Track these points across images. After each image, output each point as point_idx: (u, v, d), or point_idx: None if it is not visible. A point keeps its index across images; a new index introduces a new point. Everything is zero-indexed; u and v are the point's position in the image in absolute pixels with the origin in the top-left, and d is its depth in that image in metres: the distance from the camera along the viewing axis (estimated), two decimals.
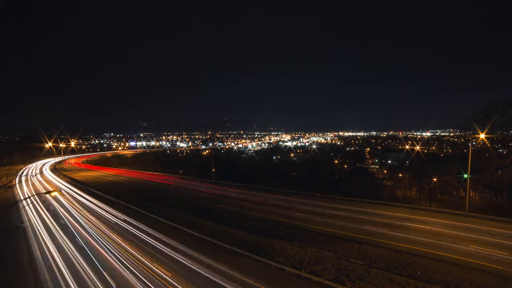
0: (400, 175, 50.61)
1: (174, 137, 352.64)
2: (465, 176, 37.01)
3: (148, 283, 16.94)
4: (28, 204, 37.46)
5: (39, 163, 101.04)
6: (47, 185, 54.29)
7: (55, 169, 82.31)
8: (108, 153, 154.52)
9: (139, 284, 16.91)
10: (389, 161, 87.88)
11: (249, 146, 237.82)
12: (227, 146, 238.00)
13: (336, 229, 26.99)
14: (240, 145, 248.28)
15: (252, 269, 18.63)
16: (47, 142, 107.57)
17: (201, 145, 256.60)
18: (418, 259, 20.29)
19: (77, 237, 25.18)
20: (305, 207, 35.57)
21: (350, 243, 23.69)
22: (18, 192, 46.71)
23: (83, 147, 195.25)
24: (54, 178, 64.35)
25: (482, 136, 38.57)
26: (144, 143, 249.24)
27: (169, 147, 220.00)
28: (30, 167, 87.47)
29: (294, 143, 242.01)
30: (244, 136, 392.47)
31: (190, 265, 19.21)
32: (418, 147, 65.04)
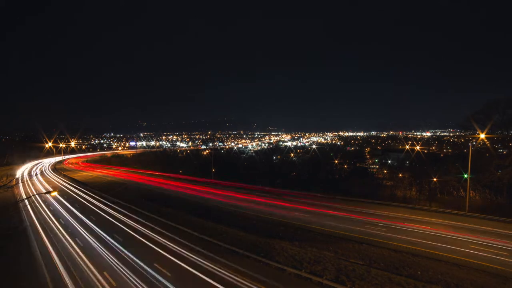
0: (400, 175, 50.61)
1: (174, 137, 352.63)
2: (465, 176, 37.01)
3: (149, 283, 16.95)
4: (28, 204, 37.45)
5: (39, 163, 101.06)
6: (47, 185, 54.29)
7: (55, 169, 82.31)
8: (108, 153, 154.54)
9: (139, 283, 16.92)
10: (389, 161, 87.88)
11: (249, 146, 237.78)
12: (227, 146, 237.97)
13: (336, 229, 26.99)
14: (240, 145, 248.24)
15: (252, 269, 18.62)
16: (47, 142, 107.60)
17: (201, 145, 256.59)
18: (418, 259, 20.28)
19: (77, 237, 25.18)
20: (305, 207, 35.54)
21: (350, 243, 23.68)
22: (18, 192, 46.71)
23: (83, 147, 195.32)
24: (54, 178, 64.36)
25: (482, 136, 38.57)
26: (144, 143, 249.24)
27: (169, 147, 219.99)
28: (30, 167, 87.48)
29: (294, 143, 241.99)
30: (244, 136, 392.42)
31: (190, 265, 19.21)
32: (418, 147, 65.02)
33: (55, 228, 28.01)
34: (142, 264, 19.40)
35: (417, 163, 56.42)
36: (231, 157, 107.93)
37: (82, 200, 40.88)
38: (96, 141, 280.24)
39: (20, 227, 28.60)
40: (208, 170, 63.87)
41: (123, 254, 21.17)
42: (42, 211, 34.99)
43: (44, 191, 47.11)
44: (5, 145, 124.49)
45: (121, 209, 34.87)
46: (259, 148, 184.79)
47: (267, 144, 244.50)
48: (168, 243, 23.39)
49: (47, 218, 31.80)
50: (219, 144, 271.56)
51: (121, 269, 18.82)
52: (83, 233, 26.43)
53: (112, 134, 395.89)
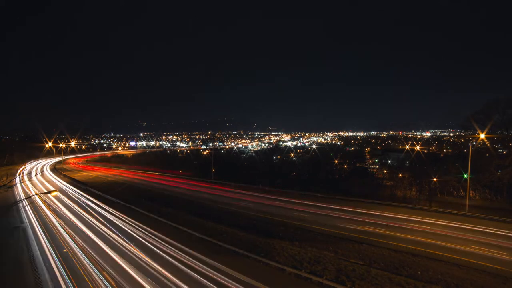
0: (400, 175, 50.54)
1: (174, 137, 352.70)
2: (465, 176, 37.01)
3: (149, 282, 16.95)
4: (28, 204, 37.45)
5: (39, 163, 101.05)
6: (47, 185, 54.29)
7: (55, 169, 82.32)
8: (108, 153, 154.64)
9: (140, 283, 16.93)
10: (389, 161, 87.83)
11: (249, 146, 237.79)
12: (227, 146, 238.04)
13: (336, 229, 26.99)
14: (240, 145, 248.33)
15: (252, 269, 18.63)
16: (47, 142, 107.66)
17: (201, 145, 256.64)
18: (418, 259, 20.29)
19: (77, 237, 25.19)
20: (305, 207, 35.57)
21: (350, 243, 23.69)
22: (18, 192, 46.71)
23: (83, 147, 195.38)
24: (54, 178, 64.36)
25: (482, 136, 38.58)
26: (144, 143, 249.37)
27: (169, 147, 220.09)
28: (30, 167, 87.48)
29: (294, 143, 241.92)
30: (244, 136, 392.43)
31: (189, 265, 19.21)
32: (418, 147, 65.04)
33: (55, 228, 28.01)
34: (142, 264, 19.41)
35: (417, 163, 56.39)
36: (231, 157, 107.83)
37: (82, 200, 40.89)
38: (96, 141, 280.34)
39: (20, 227, 28.61)
40: (208, 170, 63.82)
41: (123, 254, 21.18)
42: (42, 211, 34.99)
43: (44, 191, 47.10)
44: (5, 145, 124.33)
45: (121, 209, 34.88)
46: (259, 148, 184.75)
47: (267, 144, 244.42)
48: (168, 242, 23.40)
49: (47, 218, 31.80)
50: (219, 144, 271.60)
51: (121, 269, 18.83)
52: (83, 233, 26.43)
53: (112, 134, 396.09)
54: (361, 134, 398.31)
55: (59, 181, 59.76)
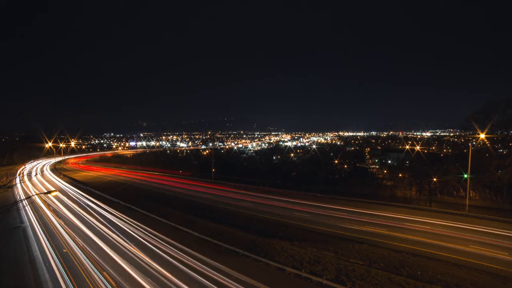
0: (400, 175, 50.48)
1: (174, 137, 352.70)
2: (465, 176, 36.99)
3: (149, 282, 16.95)
4: (28, 204, 37.45)
5: (39, 163, 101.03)
6: (47, 185, 54.29)
7: (55, 169, 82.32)
8: (108, 153, 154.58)
9: (140, 283, 16.92)
10: (389, 161, 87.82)
11: (249, 146, 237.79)
12: (227, 146, 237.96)
13: (336, 229, 26.99)
14: (240, 145, 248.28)
15: (252, 269, 18.64)
16: (47, 142, 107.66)
17: (201, 145, 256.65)
18: (418, 259, 20.28)
19: (77, 237, 25.19)
20: (305, 207, 35.57)
21: (350, 243, 23.68)
22: (18, 192, 46.71)
23: (83, 147, 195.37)
24: (54, 178, 64.36)
25: (482, 136, 38.55)
26: (144, 143, 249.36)
27: (169, 147, 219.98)
28: (30, 167, 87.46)
29: (294, 143, 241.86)
30: (244, 136, 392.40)
31: (190, 265, 19.22)
32: (418, 147, 64.99)
33: (55, 228, 28.01)
34: (143, 264, 19.42)
35: (417, 163, 56.36)
36: (231, 157, 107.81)
37: (82, 200, 40.89)
38: (96, 141, 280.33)
39: (20, 227, 28.61)
40: (208, 170, 63.83)
41: (123, 254, 21.18)
42: (42, 211, 34.99)
43: (44, 191, 47.10)
44: (5, 145, 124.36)
45: (121, 209, 34.88)
46: (259, 148, 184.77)
47: (267, 144, 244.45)
48: (168, 242, 23.40)
49: (47, 218, 31.81)
50: (219, 144, 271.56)
51: (121, 269, 18.83)
52: (83, 233, 26.44)
53: (112, 134, 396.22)
54: (361, 134, 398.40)
55: (59, 181, 59.76)
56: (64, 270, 18.94)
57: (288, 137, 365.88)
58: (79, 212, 33.86)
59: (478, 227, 26.80)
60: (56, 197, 42.56)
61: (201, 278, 17.42)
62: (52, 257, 21.17)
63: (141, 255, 20.89)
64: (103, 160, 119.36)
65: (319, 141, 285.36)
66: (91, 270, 18.79)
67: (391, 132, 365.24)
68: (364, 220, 29.71)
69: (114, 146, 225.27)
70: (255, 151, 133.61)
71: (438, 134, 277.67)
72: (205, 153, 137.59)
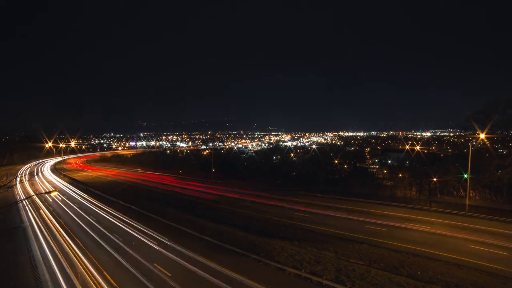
0: (400, 175, 50.45)
1: (174, 137, 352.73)
2: (465, 176, 36.98)
3: (149, 282, 16.94)
4: (28, 204, 37.45)
5: (39, 163, 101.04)
6: (47, 185, 54.30)
7: (55, 169, 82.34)
8: (108, 153, 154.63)
9: (140, 282, 16.91)
10: (389, 161, 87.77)
11: (249, 146, 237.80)
12: (227, 146, 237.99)
13: (336, 229, 26.98)
14: (240, 145, 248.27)
15: (252, 269, 18.64)
16: (47, 142, 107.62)
17: (201, 145, 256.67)
18: (418, 259, 20.27)
19: (77, 237, 25.18)
20: (305, 207, 35.55)
21: (350, 243, 23.67)
22: (18, 192, 46.71)
23: (83, 147, 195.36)
24: (54, 178, 64.37)
25: (482, 136, 38.53)
26: (144, 143, 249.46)
27: (169, 147, 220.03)
28: (30, 167, 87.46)
29: (294, 143, 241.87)
30: (244, 136, 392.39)
31: (190, 265, 19.21)
32: (418, 147, 64.93)
33: (55, 228, 28.01)
34: (142, 264, 19.40)
35: (417, 163, 56.32)
36: (231, 157, 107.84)
37: (82, 200, 40.89)
38: (96, 141, 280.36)
39: (20, 227, 28.60)
40: (208, 170, 63.87)
41: (123, 254, 21.17)
42: (42, 211, 35.00)
43: (44, 191, 47.11)
44: (5, 145, 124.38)
45: (121, 209, 34.87)
46: (259, 148, 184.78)
47: (267, 144, 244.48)
48: (168, 243, 23.39)
49: (47, 218, 31.81)
50: (219, 144, 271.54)
51: (121, 269, 18.82)
52: (83, 233, 26.44)
53: (112, 134, 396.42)
54: (361, 134, 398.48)
55: (59, 181, 59.76)
56: (64, 271, 18.94)
57: (288, 137, 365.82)
58: (79, 212, 33.85)
59: (478, 227, 26.78)
60: (56, 197, 42.57)
61: (200, 279, 17.41)
62: (52, 257, 21.17)
63: (141, 255, 20.87)
64: (103, 160, 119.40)
65: (319, 141, 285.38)
66: (91, 270, 18.80)
67: (391, 132, 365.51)
68: (364, 220, 29.71)
69: (114, 146, 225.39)
70: (255, 151, 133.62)
71: (438, 134, 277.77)
72: (205, 153, 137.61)
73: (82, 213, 33.35)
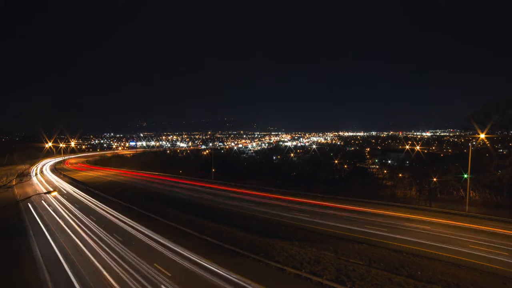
0: (400, 175, 50.55)
1: (174, 137, 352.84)
2: (465, 176, 37.01)
3: (150, 282, 16.94)
4: (28, 204, 37.45)
5: (39, 163, 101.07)
6: (47, 185, 54.32)
7: (55, 169, 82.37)
8: (108, 153, 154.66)
9: (140, 282, 16.91)
10: (389, 161, 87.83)
11: (249, 146, 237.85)
12: (227, 146, 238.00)
13: (336, 229, 26.98)
14: (240, 145, 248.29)
15: (252, 269, 18.63)
16: (47, 142, 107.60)
17: (201, 145, 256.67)
18: (418, 259, 20.27)
19: (77, 237, 25.18)
20: (305, 207, 35.57)
21: (350, 243, 23.67)
22: (18, 192, 46.71)
23: (83, 147, 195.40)
24: (54, 178, 64.39)
25: (482, 136, 38.55)
26: (144, 143, 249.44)
27: (169, 147, 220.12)
28: (30, 167, 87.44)
29: (294, 143, 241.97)
30: (244, 136, 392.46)
31: (190, 266, 19.20)
32: (418, 147, 64.96)
33: (55, 228, 28.01)
34: (142, 264, 19.40)
35: (417, 163, 56.40)
36: (231, 157, 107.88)
37: (82, 200, 40.89)
38: (96, 141, 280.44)
39: (20, 227, 28.60)
40: (208, 170, 63.93)
41: (123, 254, 21.17)
42: (42, 211, 35.00)
43: (44, 191, 47.12)
44: (5, 145, 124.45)
45: (121, 209, 34.86)
46: (259, 148, 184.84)
47: (267, 144, 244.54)
48: (167, 243, 23.38)
49: (47, 218, 31.81)
50: (219, 144, 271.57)
51: (121, 269, 18.82)
52: (83, 233, 26.43)
53: (112, 134, 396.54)
54: (361, 134, 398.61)
55: (59, 181, 59.77)
56: (64, 271, 18.94)
57: (288, 137, 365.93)
58: (79, 212, 33.85)
59: (478, 227, 26.79)
60: (56, 197, 42.57)
61: (200, 279, 17.41)
62: (52, 257, 21.16)
63: (141, 256, 20.86)
64: (103, 160, 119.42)
65: (319, 141, 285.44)
66: (91, 271, 18.79)
67: (391, 132, 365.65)
68: (364, 220, 29.71)
69: (114, 146, 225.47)
70: (255, 151, 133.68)
71: (438, 134, 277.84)
72: (205, 153, 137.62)
73: (82, 213, 33.35)
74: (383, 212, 32.66)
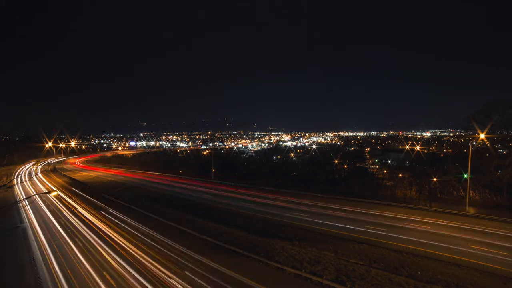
0: (400, 175, 50.48)
1: (174, 137, 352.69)
2: (465, 176, 36.99)
3: (150, 283, 16.94)
4: (28, 204, 37.44)
5: (39, 163, 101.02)
6: (47, 185, 54.31)
7: (55, 169, 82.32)
8: (108, 153, 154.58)
9: (139, 283, 16.92)
10: (389, 161, 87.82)
11: (249, 146, 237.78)
12: (227, 146, 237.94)
13: (336, 229, 26.98)
14: (240, 145, 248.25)
15: (252, 269, 18.64)
16: (47, 142, 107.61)
17: (201, 145, 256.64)
18: (418, 259, 20.28)
19: (77, 237, 25.19)
20: (305, 207, 35.56)
21: (350, 243, 23.67)
22: (18, 192, 46.72)
23: (83, 147, 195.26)
24: (54, 178, 64.36)
25: (482, 136, 38.53)
26: (144, 143, 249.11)
27: (169, 147, 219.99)
28: (30, 167, 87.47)
29: (294, 143, 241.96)
30: (244, 136, 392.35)
31: (190, 266, 19.21)
32: (418, 147, 64.96)
33: (55, 228, 28.02)
34: (142, 264, 19.40)
35: (417, 163, 56.37)
36: (231, 157, 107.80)
37: (82, 200, 40.87)
38: (96, 141, 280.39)
39: (20, 227, 28.61)
40: (208, 170, 63.88)
41: (123, 254, 21.17)
42: (42, 211, 35.00)
43: (44, 191, 47.10)
44: (5, 145, 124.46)
45: (120, 209, 34.86)
46: (259, 148, 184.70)
47: (267, 144, 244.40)
48: (168, 243, 23.39)
49: (47, 218, 31.82)
50: (219, 144, 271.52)
51: (121, 269, 18.82)
52: (83, 233, 26.43)
53: (112, 134, 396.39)
54: (361, 134, 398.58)
55: (59, 181, 59.76)
56: (63, 271, 18.94)
57: (288, 137, 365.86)
58: (79, 212, 33.85)
59: (478, 227, 26.79)
60: (56, 197, 42.56)
61: (200, 279, 17.40)
62: (52, 257, 21.17)
63: (141, 256, 20.87)
64: (103, 160, 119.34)
65: (319, 141, 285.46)
66: (92, 270, 18.79)
67: (391, 132, 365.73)
68: (364, 220, 29.71)
69: (114, 146, 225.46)
70: (255, 151, 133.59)
71: (438, 134, 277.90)
72: (205, 153, 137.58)
73: (82, 213, 33.34)
74: (383, 212, 32.66)
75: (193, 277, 17.63)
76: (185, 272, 18.31)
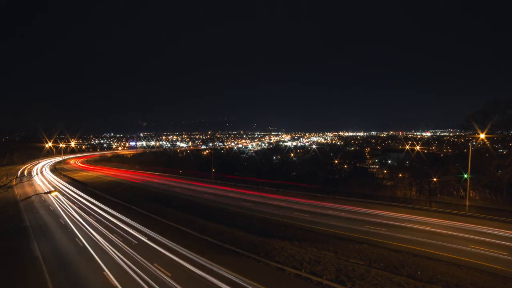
0: (400, 175, 50.51)
1: (174, 137, 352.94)
2: (465, 176, 37.01)
3: (147, 282, 16.93)
4: (28, 204, 37.45)
5: (39, 163, 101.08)
6: (47, 185, 54.33)
7: (55, 169, 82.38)
8: (108, 153, 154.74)
9: (139, 283, 16.91)
10: (389, 161, 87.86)
11: (249, 146, 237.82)
12: (227, 146, 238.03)
13: (336, 229, 26.98)
14: (240, 145, 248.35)
15: (252, 269, 18.63)
16: (47, 142, 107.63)
17: (201, 145, 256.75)
18: (418, 259, 20.27)
19: (77, 237, 25.20)
20: (305, 207, 35.57)
21: (350, 243, 23.67)
22: (18, 192, 46.74)
23: (83, 147, 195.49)
24: (54, 178, 64.40)
25: (482, 136, 38.55)
26: (144, 143, 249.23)
27: (169, 147, 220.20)
28: (30, 167, 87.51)
29: (294, 143, 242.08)
30: (244, 136, 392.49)
31: (190, 266, 19.20)
32: (418, 147, 65.00)
33: (55, 228, 28.03)
34: (142, 264, 19.40)
35: (417, 163, 56.44)
36: (231, 157, 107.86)
37: (82, 200, 40.90)
38: (96, 141, 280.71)
39: (20, 227, 28.61)
40: (208, 170, 63.88)
41: (123, 254, 21.17)
42: (42, 211, 35.01)
43: (44, 191, 47.13)
44: (5, 145, 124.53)
45: (120, 209, 34.87)
46: (259, 148, 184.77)
47: (267, 144, 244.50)
48: (167, 244, 23.38)
49: (47, 218, 31.82)
50: (219, 144, 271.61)
51: (121, 269, 18.82)
52: (83, 233, 26.44)
53: (112, 134, 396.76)
54: (361, 134, 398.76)
55: (59, 181, 59.78)
56: (64, 271, 18.94)
57: (288, 137, 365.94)
58: (79, 212, 33.86)
59: (478, 227, 26.79)
60: (56, 197, 42.59)
61: (200, 279, 17.41)
62: (52, 257, 21.17)
63: (141, 256, 20.87)
64: (103, 160, 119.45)
65: (319, 141, 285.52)
66: (91, 270, 18.80)
67: (391, 132, 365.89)
68: (364, 220, 29.71)
69: (114, 146, 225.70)
70: (255, 151, 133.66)
71: (438, 134, 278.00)
72: (205, 153, 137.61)
73: (82, 213, 33.36)
74: (383, 212, 32.66)
75: (193, 277, 17.61)
76: (185, 271, 18.30)
